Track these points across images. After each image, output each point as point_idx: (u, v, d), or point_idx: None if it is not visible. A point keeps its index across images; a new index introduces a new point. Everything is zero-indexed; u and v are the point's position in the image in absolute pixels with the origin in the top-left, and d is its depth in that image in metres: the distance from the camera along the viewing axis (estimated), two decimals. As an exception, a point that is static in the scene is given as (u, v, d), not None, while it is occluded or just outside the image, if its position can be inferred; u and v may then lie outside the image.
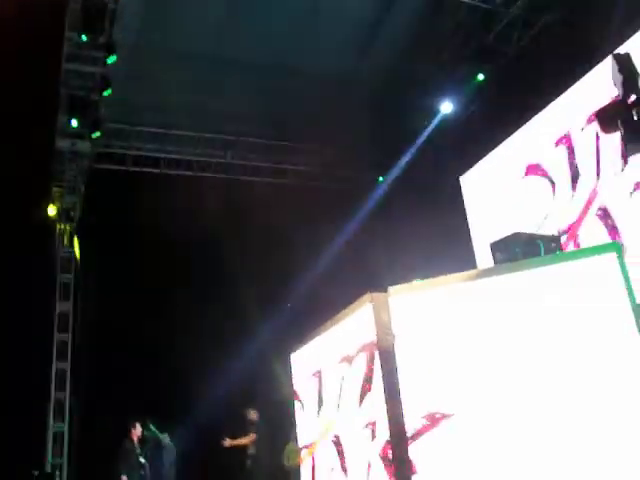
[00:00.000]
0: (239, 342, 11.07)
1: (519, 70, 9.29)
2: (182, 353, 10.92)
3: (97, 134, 10.97)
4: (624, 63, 2.18)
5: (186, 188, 11.84)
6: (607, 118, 2.32)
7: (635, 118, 2.24)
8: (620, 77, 2.22)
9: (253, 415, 11.07)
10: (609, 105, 2.38)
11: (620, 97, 2.36)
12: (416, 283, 5.56)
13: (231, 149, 12.96)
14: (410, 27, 9.20)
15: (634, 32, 7.25)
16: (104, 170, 12.61)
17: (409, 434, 4.64)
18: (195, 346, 11.10)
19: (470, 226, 10.10)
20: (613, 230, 7.77)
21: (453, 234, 10.20)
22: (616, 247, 4.79)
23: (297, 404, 6.45)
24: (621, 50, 7.26)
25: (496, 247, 5.57)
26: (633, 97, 2.21)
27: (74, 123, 10.62)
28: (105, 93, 10.15)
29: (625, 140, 2.26)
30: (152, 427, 10.66)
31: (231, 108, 11.48)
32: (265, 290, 11.38)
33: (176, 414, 10.72)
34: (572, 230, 8.34)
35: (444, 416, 4.62)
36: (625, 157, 7.38)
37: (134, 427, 10.54)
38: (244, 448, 10.88)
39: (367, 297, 5.12)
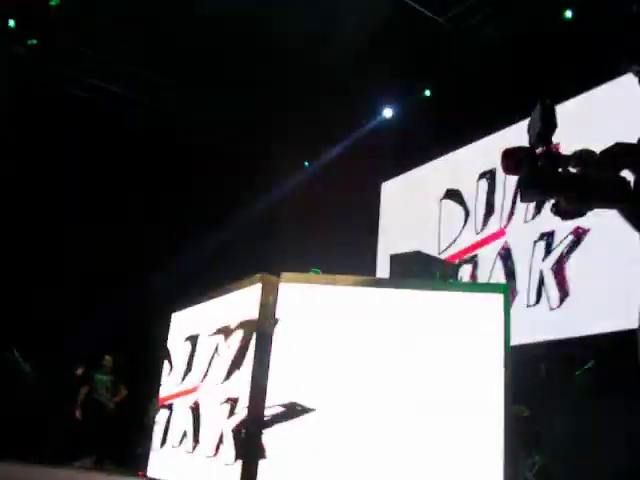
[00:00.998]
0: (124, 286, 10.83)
1: (465, 97, 9.45)
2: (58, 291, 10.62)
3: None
4: (547, 112, 2.26)
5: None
6: (512, 160, 2.41)
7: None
8: (538, 124, 2.31)
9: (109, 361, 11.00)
10: (517, 148, 2.47)
11: (530, 144, 2.45)
12: (310, 275, 5.63)
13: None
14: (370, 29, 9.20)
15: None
16: None
17: (266, 419, 4.69)
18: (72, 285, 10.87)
19: (379, 233, 10.27)
20: (510, 271, 8.04)
21: (362, 236, 10.34)
22: (504, 289, 4.95)
23: (166, 364, 6.43)
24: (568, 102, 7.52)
25: (395, 260, 5.68)
26: (541, 149, 2.31)
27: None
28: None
29: (520, 185, 2.35)
30: (16, 353, 10.41)
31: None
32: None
33: (47, 347, 10.45)
34: (473, 262, 8.59)
35: (304, 409, 4.69)
36: (538, 206, 7.64)
37: None
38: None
39: (258, 277, 5.15)
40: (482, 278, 8.45)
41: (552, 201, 2.37)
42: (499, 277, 8.17)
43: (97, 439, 10.40)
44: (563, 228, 7.29)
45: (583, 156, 2.28)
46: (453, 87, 9.88)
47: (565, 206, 2.34)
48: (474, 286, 5.69)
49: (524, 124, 7.82)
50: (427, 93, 10.56)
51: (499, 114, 9.05)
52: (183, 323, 6.38)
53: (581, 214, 2.43)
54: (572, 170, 2.30)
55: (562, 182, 2.28)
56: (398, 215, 10.08)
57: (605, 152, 2.25)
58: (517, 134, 8.20)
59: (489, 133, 8.95)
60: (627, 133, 2.47)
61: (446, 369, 4.65)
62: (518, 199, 8.10)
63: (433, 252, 8.65)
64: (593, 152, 2.29)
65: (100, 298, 10.61)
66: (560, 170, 2.28)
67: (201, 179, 11.19)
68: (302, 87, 10.28)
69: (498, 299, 4.79)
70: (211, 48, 9.81)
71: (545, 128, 2.25)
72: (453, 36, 9.50)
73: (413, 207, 9.82)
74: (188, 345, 6.09)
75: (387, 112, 11.19)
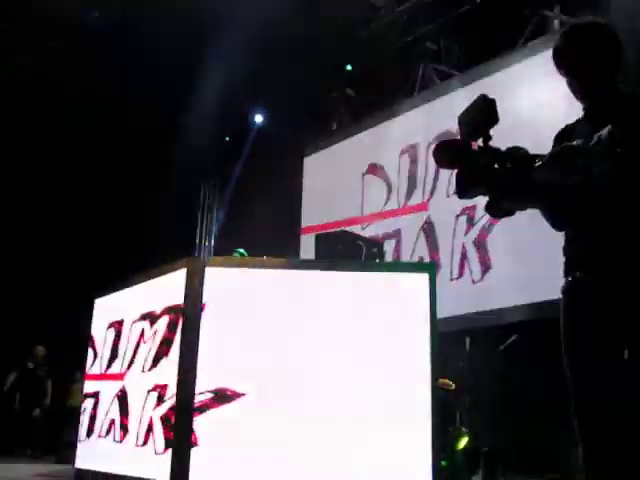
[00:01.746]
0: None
1: (390, 70, 9.47)
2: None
3: None
4: (489, 106, 2.21)
5: None
6: (446, 155, 2.37)
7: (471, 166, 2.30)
8: (478, 118, 2.25)
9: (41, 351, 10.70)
10: (452, 142, 2.42)
11: (462, 134, 2.40)
12: (235, 258, 5.58)
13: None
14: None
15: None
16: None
17: (196, 405, 4.64)
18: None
19: (302, 210, 10.24)
20: (433, 246, 8.15)
21: (285, 213, 10.29)
22: (431, 268, 5.01)
23: (90, 351, 6.28)
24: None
25: (321, 239, 5.67)
26: (480, 143, 2.27)
27: None
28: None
29: (460, 183, 2.32)
30: None
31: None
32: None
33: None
34: (396, 236, 8.66)
35: (235, 394, 4.66)
36: (459, 181, 7.75)
37: None
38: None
39: (183, 262, 5.05)
40: (406, 252, 8.54)
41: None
42: (422, 252, 8.27)
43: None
44: (484, 202, 7.41)
45: (518, 154, 2.28)
46: (373, 60, 9.87)
47: (499, 204, 2.35)
48: (401, 266, 5.74)
49: (446, 99, 7.87)
50: (349, 67, 10.52)
51: (421, 89, 9.12)
52: (106, 309, 6.23)
53: (512, 213, 2.45)
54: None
55: (503, 180, 2.28)
56: (321, 191, 10.05)
57: (555, 154, 2.23)
58: (441, 109, 8.28)
59: (412, 108, 9.00)
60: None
61: (375, 348, 4.68)
62: (440, 173, 8.20)
63: (356, 228, 8.69)
64: (526, 150, 2.29)
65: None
66: (496, 167, 2.28)
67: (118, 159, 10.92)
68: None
69: (424, 278, 4.85)
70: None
71: (486, 123, 2.22)
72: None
73: (336, 182, 9.81)
74: (112, 332, 5.96)
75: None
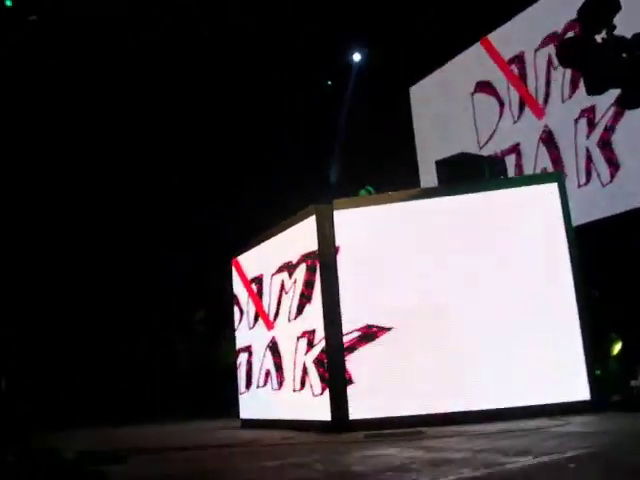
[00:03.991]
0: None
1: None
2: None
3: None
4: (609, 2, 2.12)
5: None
6: (568, 53, 2.30)
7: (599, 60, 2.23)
8: (597, 7, 2.15)
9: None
10: (576, 39, 2.34)
11: (582, 30, 2.31)
12: (361, 197, 5.62)
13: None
14: None
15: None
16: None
17: (346, 345, 4.77)
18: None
19: (416, 139, 10.12)
20: (555, 155, 7.90)
21: (399, 145, 10.19)
22: (558, 177, 4.90)
23: (236, 309, 6.53)
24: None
25: (441, 165, 5.61)
26: (603, 34, 2.18)
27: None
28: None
29: (587, 84, 2.24)
30: None
31: None
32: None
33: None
34: (516, 151, 8.45)
35: (381, 329, 4.76)
36: (574, 83, 7.44)
37: None
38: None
39: (311, 209, 5.16)
40: (528, 165, 8.32)
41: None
42: (545, 162, 8.03)
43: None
44: (603, 102, 7.09)
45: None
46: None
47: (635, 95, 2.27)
48: (527, 179, 5.61)
49: (545, 2, 7.49)
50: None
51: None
52: (245, 267, 6.44)
53: None
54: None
55: (634, 70, 2.19)
56: (431, 117, 9.89)
57: None
58: (540, 13, 7.92)
59: (511, 16, 8.66)
60: None
61: (516, 264, 4.66)
62: (552, 79, 7.89)
63: (473, 149, 8.54)
64: None
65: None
66: (624, 56, 2.19)
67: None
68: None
69: (553, 188, 4.76)
70: None
71: (608, 11, 2.13)
72: None
73: (445, 106, 9.63)
74: (254, 287, 6.17)
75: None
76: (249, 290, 6.24)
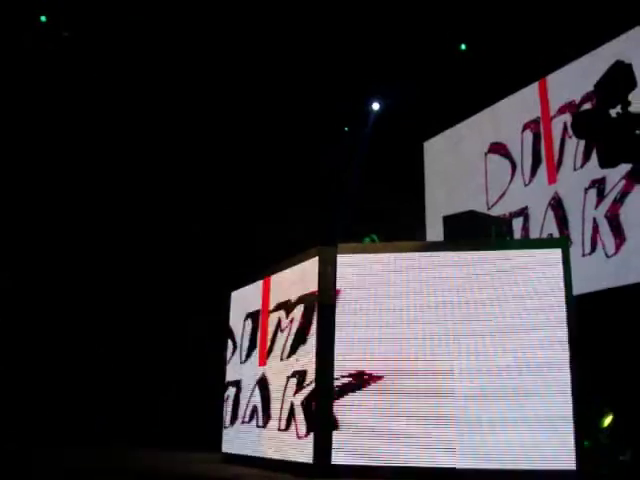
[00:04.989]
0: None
1: (504, 46, 9.25)
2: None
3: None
4: (625, 71, 2.16)
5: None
6: (583, 125, 2.33)
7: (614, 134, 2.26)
8: (615, 84, 2.20)
9: None
10: (590, 112, 2.38)
11: (597, 104, 2.35)
12: (365, 244, 5.64)
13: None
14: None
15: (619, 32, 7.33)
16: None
17: (335, 390, 4.75)
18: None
19: (426, 193, 10.19)
20: (562, 221, 7.93)
21: (408, 199, 10.26)
22: (563, 243, 4.91)
23: (229, 343, 6.52)
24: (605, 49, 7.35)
25: (449, 221, 5.63)
26: (618, 109, 2.21)
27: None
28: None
29: (601, 157, 2.27)
30: None
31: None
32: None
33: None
34: (524, 214, 8.49)
35: (372, 377, 4.74)
36: (587, 153, 7.50)
37: None
38: None
39: (315, 250, 5.19)
40: (534, 229, 8.36)
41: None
42: (551, 228, 8.07)
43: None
44: (614, 173, 7.15)
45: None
46: (488, 39, 9.66)
47: None
48: (533, 242, 5.64)
49: (566, 71, 7.62)
50: (463, 47, 10.35)
51: (539, 64, 8.87)
52: (242, 301, 6.44)
53: None
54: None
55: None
56: (443, 173, 9.97)
57: None
58: (559, 81, 8.03)
59: (528, 83, 8.78)
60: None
61: (511, 325, 4.65)
62: (566, 146, 7.97)
63: (482, 208, 8.58)
64: None
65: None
66: (638, 132, 2.23)
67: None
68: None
69: (557, 253, 4.77)
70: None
71: (624, 88, 2.17)
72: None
73: (458, 164, 9.71)
74: (249, 322, 6.16)
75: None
76: (244, 325, 6.23)
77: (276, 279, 5.79)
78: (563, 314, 4.65)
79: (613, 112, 2.24)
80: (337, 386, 4.76)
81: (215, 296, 7.38)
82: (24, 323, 9.97)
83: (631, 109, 2.19)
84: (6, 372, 9.66)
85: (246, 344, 6.15)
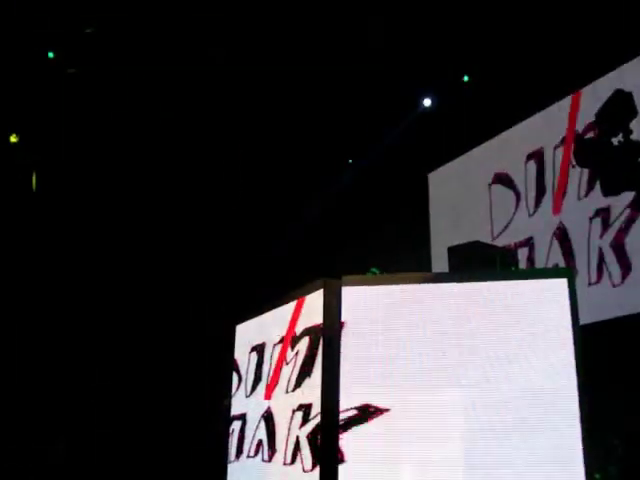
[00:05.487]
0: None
1: (504, 79, 9.34)
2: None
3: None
4: (624, 101, 2.18)
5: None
6: (585, 153, 2.34)
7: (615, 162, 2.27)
8: (614, 112, 2.21)
9: None
10: (590, 141, 2.39)
11: (600, 132, 2.36)
12: (370, 276, 5.64)
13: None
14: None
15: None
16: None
17: (341, 423, 4.71)
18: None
19: (430, 224, 10.22)
20: (568, 251, 7.93)
21: (412, 231, 10.29)
22: (568, 273, 4.90)
23: (235, 375, 6.49)
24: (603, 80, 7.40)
25: (453, 252, 5.65)
26: (620, 138, 2.23)
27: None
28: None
29: (604, 186, 2.28)
30: None
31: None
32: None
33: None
34: (528, 244, 8.50)
35: (379, 410, 4.70)
36: (591, 182, 7.51)
37: None
38: None
39: (320, 282, 5.17)
40: (539, 259, 8.36)
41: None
42: (557, 258, 8.06)
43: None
44: (619, 203, 7.16)
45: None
46: (491, 69, 9.75)
47: None
48: (538, 272, 5.64)
49: (567, 100, 7.69)
50: (465, 79, 10.44)
51: (540, 94, 8.94)
52: (247, 334, 6.42)
53: None
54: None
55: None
56: (448, 205, 10.01)
57: None
58: (561, 113, 8.10)
59: (532, 113, 8.84)
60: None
61: (516, 357, 4.61)
62: (570, 177, 7.99)
63: (486, 238, 8.59)
64: None
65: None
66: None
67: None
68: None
69: (562, 283, 4.75)
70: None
71: (625, 116, 2.19)
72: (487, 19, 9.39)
73: (462, 195, 9.75)
74: (254, 355, 6.14)
75: (426, 102, 11.04)
76: (249, 358, 6.21)
77: (280, 312, 5.77)
78: (570, 343, 4.61)
79: (615, 141, 2.24)
80: (343, 419, 4.72)
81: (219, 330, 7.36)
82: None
83: (633, 137, 2.20)
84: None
85: (251, 377, 6.12)
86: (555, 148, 8.32)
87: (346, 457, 4.65)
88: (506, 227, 8.94)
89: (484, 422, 4.52)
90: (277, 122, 11.03)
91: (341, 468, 4.63)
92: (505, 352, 4.63)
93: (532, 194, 8.66)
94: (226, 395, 9.07)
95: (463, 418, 4.56)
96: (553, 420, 4.48)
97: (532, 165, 8.70)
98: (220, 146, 11.06)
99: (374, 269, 5.93)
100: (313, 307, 5.19)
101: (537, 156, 8.62)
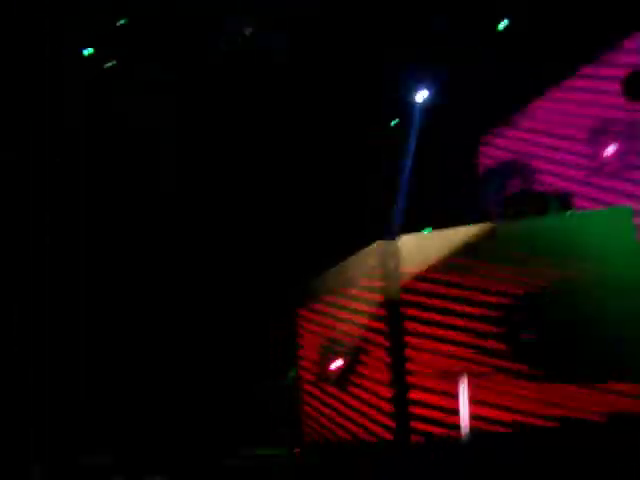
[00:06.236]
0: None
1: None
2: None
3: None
4: None
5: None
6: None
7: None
8: None
9: None
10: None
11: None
12: (426, 234, 5.64)
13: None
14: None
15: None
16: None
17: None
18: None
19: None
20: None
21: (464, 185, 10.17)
22: (627, 212, 4.82)
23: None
24: None
25: (507, 202, 5.63)
26: None
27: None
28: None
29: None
30: None
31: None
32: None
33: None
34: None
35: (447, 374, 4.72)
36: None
37: None
38: None
39: (377, 244, 5.20)
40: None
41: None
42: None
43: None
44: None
45: None
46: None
47: None
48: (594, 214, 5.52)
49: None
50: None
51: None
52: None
53: None
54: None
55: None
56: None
57: None
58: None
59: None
60: None
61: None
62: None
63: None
64: None
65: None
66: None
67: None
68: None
69: (622, 220, 4.65)
70: None
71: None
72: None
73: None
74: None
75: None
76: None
77: (340, 275, 5.77)
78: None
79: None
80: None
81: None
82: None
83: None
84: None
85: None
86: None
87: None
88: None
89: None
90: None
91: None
92: (565, 297, 4.55)
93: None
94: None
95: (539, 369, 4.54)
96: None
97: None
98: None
99: (427, 229, 5.94)
100: (372, 269, 5.22)
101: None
